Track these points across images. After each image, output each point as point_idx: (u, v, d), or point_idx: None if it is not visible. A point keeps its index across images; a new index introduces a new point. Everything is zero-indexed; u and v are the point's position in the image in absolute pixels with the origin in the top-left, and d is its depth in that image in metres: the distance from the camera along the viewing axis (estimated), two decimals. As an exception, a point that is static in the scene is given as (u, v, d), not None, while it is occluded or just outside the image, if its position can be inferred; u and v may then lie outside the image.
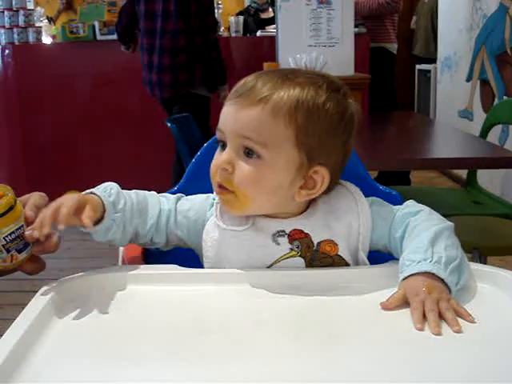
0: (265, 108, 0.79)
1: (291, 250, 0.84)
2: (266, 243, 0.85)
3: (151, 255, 0.99)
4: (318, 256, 0.85)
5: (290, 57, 3.06)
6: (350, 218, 0.87)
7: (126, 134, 4.08)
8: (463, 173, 3.43)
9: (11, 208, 0.78)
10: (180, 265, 0.87)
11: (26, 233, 0.79)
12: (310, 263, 0.85)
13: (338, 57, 3.42)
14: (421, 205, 0.91)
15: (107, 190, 0.85)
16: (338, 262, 0.86)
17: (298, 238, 0.84)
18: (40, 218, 0.78)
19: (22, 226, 0.79)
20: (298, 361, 0.63)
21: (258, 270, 0.84)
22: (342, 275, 0.84)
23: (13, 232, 0.78)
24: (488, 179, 3.02)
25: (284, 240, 0.84)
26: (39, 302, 0.74)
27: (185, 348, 0.66)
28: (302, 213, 0.87)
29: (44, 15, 5.50)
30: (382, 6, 4.00)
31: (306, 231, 0.85)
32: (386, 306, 0.75)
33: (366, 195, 0.92)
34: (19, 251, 0.79)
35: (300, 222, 0.85)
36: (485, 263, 1.70)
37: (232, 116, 0.82)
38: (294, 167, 0.81)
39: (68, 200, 0.79)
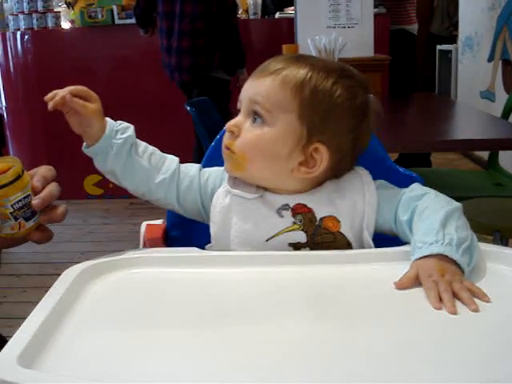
0: (275, 79, 0.85)
1: (294, 223, 0.86)
2: (270, 215, 0.87)
3: (172, 238, 1.00)
4: (320, 231, 0.86)
5: (308, 38, 3.03)
6: (356, 197, 0.87)
7: (146, 118, 4.08)
8: (485, 154, 3.40)
9: (18, 177, 0.81)
10: (200, 248, 0.87)
11: (34, 201, 0.82)
12: (312, 238, 0.86)
13: (357, 38, 3.39)
14: (426, 187, 0.91)
15: (119, 122, 0.92)
16: (339, 238, 0.87)
17: (301, 212, 0.86)
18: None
19: (29, 195, 0.82)
20: (318, 342, 0.63)
21: (278, 252, 0.85)
22: (354, 256, 0.84)
23: (20, 200, 0.80)
24: (510, 161, 2.98)
25: (287, 213, 0.86)
26: (63, 284, 0.75)
27: (205, 330, 0.66)
28: (307, 192, 0.88)
29: (62, 0, 5.52)
30: None
31: (309, 206, 0.86)
32: (400, 286, 0.75)
33: (385, 177, 0.93)
34: (27, 219, 0.82)
35: (304, 198, 0.87)
36: (506, 245, 1.69)
37: (249, 85, 0.89)
38: (294, 138, 0.84)
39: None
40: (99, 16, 4.09)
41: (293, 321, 0.68)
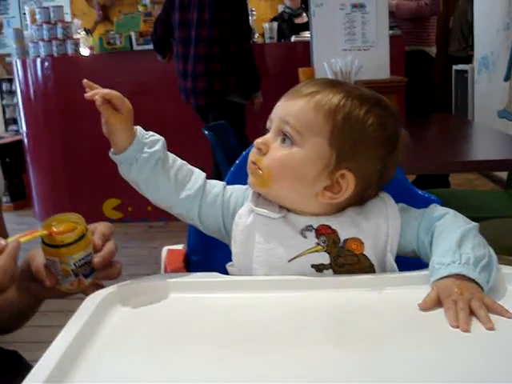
0: (310, 101, 0.86)
1: (317, 244, 0.86)
2: (293, 235, 0.86)
3: (192, 263, 1.01)
4: (343, 253, 0.86)
5: (324, 61, 3.05)
6: (379, 219, 0.87)
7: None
8: (504, 174, 3.37)
9: (82, 236, 0.84)
10: (221, 272, 0.88)
11: (95, 259, 0.85)
12: (335, 259, 0.86)
13: (373, 60, 3.40)
14: (445, 208, 0.91)
15: (150, 134, 0.91)
16: (362, 260, 0.86)
17: (325, 233, 0.86)
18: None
19: (91, 253, 0.85)
20: (341, 365, 0.63)
21: (301, 276, 0.85)
22: (376, 280, 0.84)
23: (82, 258, 0.84)
24: (529, 180, 2.96)
25: (311, 234, 0.86)
26: (86, 309, 0.76)
27: (229, 354, 0.67)
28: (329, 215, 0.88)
29: (81, 27, 5.61)
30: (422, 8, 3.98)
31: (333, 227, 0.86)
32: (422, 306, 0.76)
33: (405, 200, 0.93)
34: (86, 276, 0.85)
35: (328, 219, 0.87)
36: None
37: (281, 105, 0.89)
38: (322, 162, 0.85)
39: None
40: (118, 42, 4.16)
41: (316, 346, 0.68)
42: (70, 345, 0.67)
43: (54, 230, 0.83)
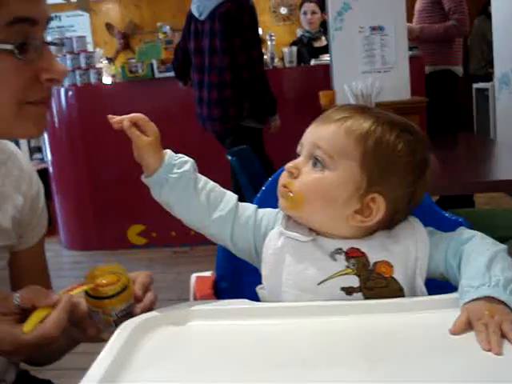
0: (341, 126, 0.88)
1: (347, 267, 0.86)
2: (323, 258, 0.87)
3: (221, 290, 1.02)
4: (373, 276, 0.86)
5: (345, 84, 3.06)
6: (409, 243, 0.88)
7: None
8: (529, 192, 3.34)
9: (125, 288, 0.86)
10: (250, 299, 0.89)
11: (136, 310, 0.88)
12: (364, 282, 0.86)
13: (393, 82, 3.41)
14: (473, 231, 0.91)
15: (180, 156, 0.94)
16: (391, 284, 0.87)
17: (355, 256, 0.86)
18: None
19: (132, 304, 0.88)
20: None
21: (330, 302, 0.85)
22: (406, 304, 0.84)
23: (124, 309, 0.86)
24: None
25: (341, 257, 0.87)
26: (120, 338, 0.77)
27: (261, 380, 0.67)
28: (359, 238, 0.89)
29: (103, 56, 5.71)
30: (450, 29, 3.98)
31: (363, 250, 0.87)
32: (454, 331, 0.75)
33: (432, 223, 0.93)
34: None
35: (358, 242, 0.88)
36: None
37: (311, 130, 0.91)
38: (354, 186, 0.86)
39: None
40: (140, 70, 4.22)
41: (348, 371, 0.68)
42: (105, 372, 0.68)
43: (99, 282, 0.86)
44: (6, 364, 1.06)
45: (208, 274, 1.11)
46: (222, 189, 0.96)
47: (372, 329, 0.79)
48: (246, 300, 0.88)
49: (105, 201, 4.39)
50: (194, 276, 1.09)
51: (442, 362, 0.70)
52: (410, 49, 3.74)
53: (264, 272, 0.91)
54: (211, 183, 0.95)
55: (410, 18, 3.77)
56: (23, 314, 0.83)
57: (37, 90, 0.87)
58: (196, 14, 3.43)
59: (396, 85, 3.40)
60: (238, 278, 1.02)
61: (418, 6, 4.26)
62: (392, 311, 0.83)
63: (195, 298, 1.01)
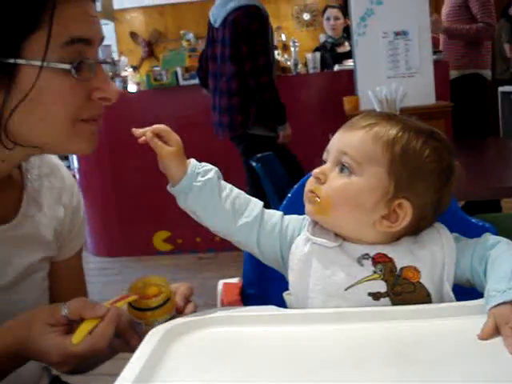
0: (368, 132, 0.88)
1: (374, 272, 0.86)
2: (350, 264, 0.87)
3: (248, 296, 1.02)
4: (400, 281, 0.86)
5: (369, 90, 3.06)
6: (435, 248, 0.88)
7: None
8: (557, 197, 3.29)
9: (167, 300, 0.89)
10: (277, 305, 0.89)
11: None
12: (392, 288, 0.86)
13: (418, 86, 3.40)
14: (498, 237, 0.91)
15: (203, 165, 0.95)
16: (419, 289, 0.87)
17: (382, 261, 0.87)
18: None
19: (174, 315, 0.90)
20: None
21: (356, 308, 0.85)
22: (433, 311, 0.84)
23: (166, 321, 0.87)
24: None
25: (368, 262, 0.87)
26: (149, 344, 0.78)
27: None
28: (385, 244, 0.90)
29: (128, 64, 5.78)
30: (481, 31, 3.95)
31: (389, 256, 0.87)
32: (481, 337, 0.75)
33: (458, 229, 0.93)
34: None
35: (384, 248, 0.88)
36: None
37: (339, 137, 0.92)
38: (381, 191, 0.87)
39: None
40: (164, 78, 4.26)
41: (376, 377, 0.68)
42: (134, 380, 0.69)
43: (142, 294, 0.88)
44: (40, 370, 1.08)
45: (235, 280, 1.12)
46: (247, 196, 0.97)
47: (400, 335, 0.79)
48: (274, 306, 0.89)
49: (131, 207, 4.43)
50: (221, 282, 1.10)
51: (470, 367, 0.69)
52: (434, 53, 3.73)
53: (291, 278, 0.91)
54: (236, 190, 0.96)
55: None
56: (70, 325, 0.85)
57: (89, 108, 0.90)
58: (212, 20, 3.47)
59: (420, 89, 3.39)
60: (265, 285, 1.03)
61: (444, 9, 4.23)
62: (419, 317, 0.83)
63: (223, 305, 1.02)
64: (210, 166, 0.95)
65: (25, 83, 0.83)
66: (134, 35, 7.79)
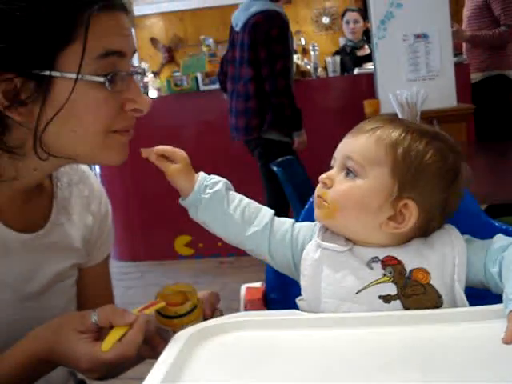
0: (371, 136, 0.90)
1: (384, 275, 0.87)
2: (360, 267, 0.88)
3: (271, 301, 1.03)
4: (410, 283, 0.87)
5: (390, 93, 3.05)
6: (445, 249, 0.88)
7: (231, 178, 4.19)
8: None
9: (195, 307, 0.90)
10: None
11: None
12: (402, 290, 0.87)
13: (439, 89, 3.38)
14: (510, 238, 0.91)
15: (212, 177, 0.98)
16: (429, 291, 0.87)
17: (391, 264, 0.87)
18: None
19: (201, 322, 0.89)
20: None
21: (377, 313, 0.86)
22: (451, 315, 0.84)
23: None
24: None
25: (377, 266, 0.88)
26: (174, 348, 0.79)
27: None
28: (395, 246, 0.90)
29: (149, 70, 5.82)
30: (504, 35, 3.91)
31: (398, 258, 0.88)
32: (506, 341, 0.74)
33: (481, 233, 0.93)
34: None
35: (393, 250, 0.89)
36: None
37: (344, 143, 0.94)
38: (385, 191, 0.88)
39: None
40: (185, 83, 4.28)
41: (401, 380, 0.69)
42: (162, 379, 0.70)
43: (170, 301, 0.89)
44: (67, 375, 1.09)
45: (258, 284, 1.12)
46: (257, 205, 0.99)
47: (424, 339, 0.79)
48: (296, 311, 0.90)
49: (152, 212, 4.46)
50: (244, 287, 1.11)
51: (495, 373, 0.69)
52: (455, 55, 3.70)
53: (303, 283, 0.92)
54: (246, 200, 0.99)
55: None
56: (100, 332, 0.86)
57: (122, 120, 0.91)
58: (233, 24, 3.49)
59: (441, 92, 3.37)
60: (287, 290, 1.03)
61: (465, 11, 4.20)
62: (442, 321, 0.83)
63: (246, 309, 1.02)
64: (218, 178, 0.98)
65: (59, 95, 0.85)
66: (154, 41, 7.84)
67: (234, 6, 3.94)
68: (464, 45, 4.26)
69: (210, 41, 6.22)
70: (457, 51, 3.92)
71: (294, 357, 0.78)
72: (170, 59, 7.75)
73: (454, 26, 3.72)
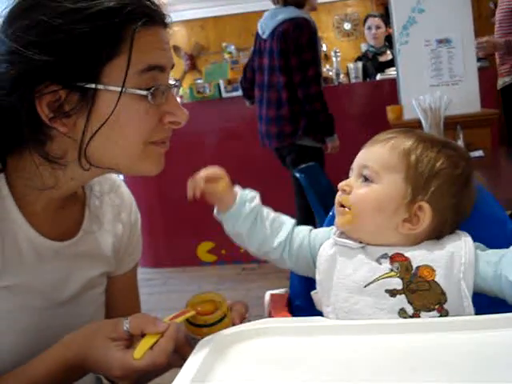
0: (385, 145, 0.96)
1: (391, 270, 0.90)
2: (370, 262, 0.92)
3: (295, 307, 1.03)
4: (416, 279, 0.89)
5: (412, 98, 3.04)
6: (453, 249, 0.91)
7: (253, 185, 4.20)
8: None
9: (224, 317, 0.91)
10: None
11: None
12: (407, 285, 0.89)
13: (462, 94, 3.36)
14: None
15: (248, 191, 1.05)
16: (433, 287, 0.89)
17: (399, 260, 0.91)
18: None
19: None
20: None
21: (403, 320, 0.86)
22: (473, 323, 0.84)
23: None
24: None
25: (386, 261, 0.92)
26: (199, 355, 0.79)
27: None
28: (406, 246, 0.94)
29: (171, 77, 5.86)
30: None
31: (406, 255, 0.91)
32: None
33: (506, 238, 0.94)
34: None
35: (403, 249, 0.92)
36: None
37: (360, 154, 1.00)
38: (399, 196, 0.93)
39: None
40: (207, 91, 4.31)
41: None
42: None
43: (200, 310, 0.90)
44: (95, 380, 1.10)
45: (282, 291, 1.13)
46: (282, 216, 1.06)
47: (445, 346, 0.79)
48: (321, 317, 0.90)
49: (175, 219, 4.48)
50: (268, 293, 1.11)
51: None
52: (478, 60, 3.68)
53: (318, 277, 0.97)
54: (273, 213, 1.06)
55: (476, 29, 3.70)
56: (131, 339, 0.87)
57: (160, 131, 0.94)
58: (260, 32, 3.50)
59: (465, 97, 3.35)
60: (311, 296, 1.04)
61: (497, 15, 4.16)
62: (461, 329, 0.82)
63: (270, 315, 1.03)
64: (254, 193, 1.05)
65: (103, 108, 0.87)
66: (176, 49, 7.90)
67: (256, 13, 3.97)
68: None
69: (232, 48, 6.26)
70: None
71: (317, 363, 0.78)
72: (192, 67, 7.80)
73: (485, 38, 3.67)
